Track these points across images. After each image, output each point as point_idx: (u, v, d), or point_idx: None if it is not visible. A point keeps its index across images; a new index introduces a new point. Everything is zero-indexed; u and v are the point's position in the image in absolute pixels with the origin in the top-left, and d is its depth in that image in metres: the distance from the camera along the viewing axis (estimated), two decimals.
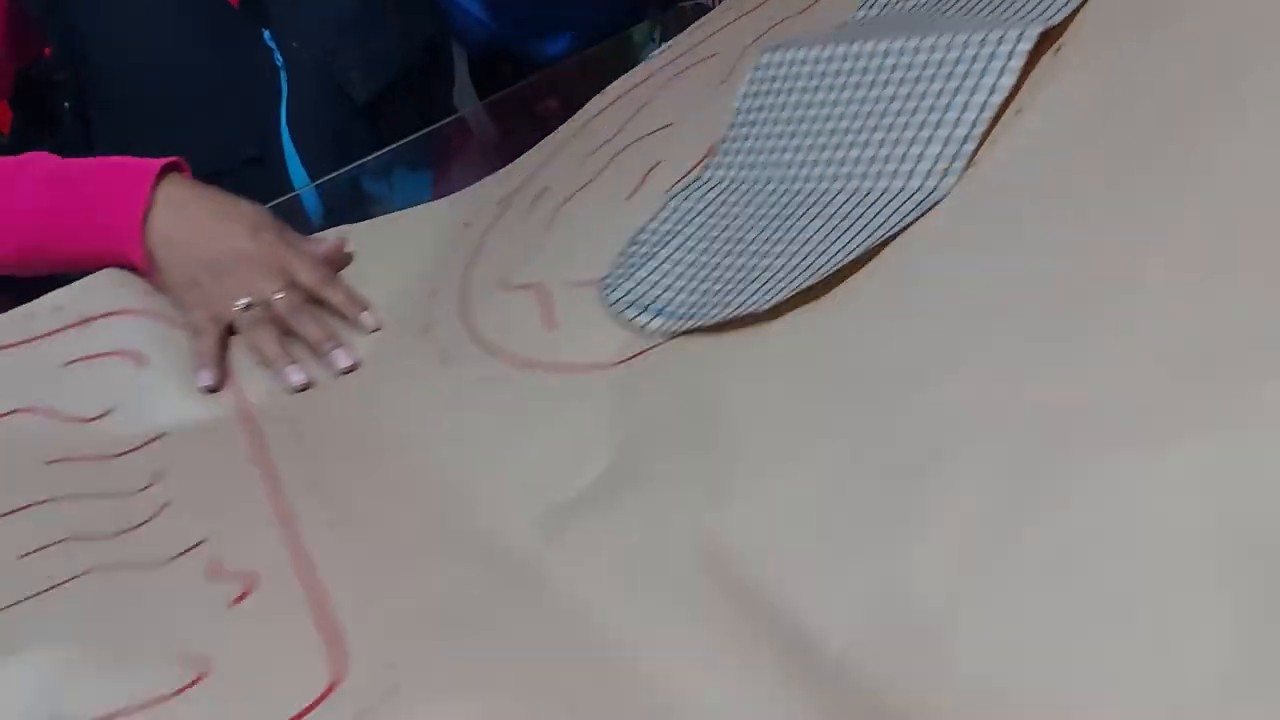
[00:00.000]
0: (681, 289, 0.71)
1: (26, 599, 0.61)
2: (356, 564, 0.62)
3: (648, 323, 0.70)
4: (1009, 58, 0.65)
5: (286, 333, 0.83)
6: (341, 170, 1.04)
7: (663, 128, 0.90)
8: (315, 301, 0.84)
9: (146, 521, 0.68)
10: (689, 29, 1.02)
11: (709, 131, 0.83)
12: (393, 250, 0.92)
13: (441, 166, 1.14)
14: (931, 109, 0.67)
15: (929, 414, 0.50)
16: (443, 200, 0.98)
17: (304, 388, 0.80)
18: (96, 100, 1.03)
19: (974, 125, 0.64)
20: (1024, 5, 0.71)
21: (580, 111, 1.00)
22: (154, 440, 0.78)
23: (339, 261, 0.89)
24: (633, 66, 1.17)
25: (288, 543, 0.65)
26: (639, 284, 0.73)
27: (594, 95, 1.08)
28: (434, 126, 1.11)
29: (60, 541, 0.66)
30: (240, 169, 1.03)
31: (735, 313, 0.64)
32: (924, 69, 0.69)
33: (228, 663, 0.55)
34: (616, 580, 0.57)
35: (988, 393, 0.49)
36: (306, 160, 1.07)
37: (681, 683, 0.50)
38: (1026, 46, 0.64)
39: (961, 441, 0.47)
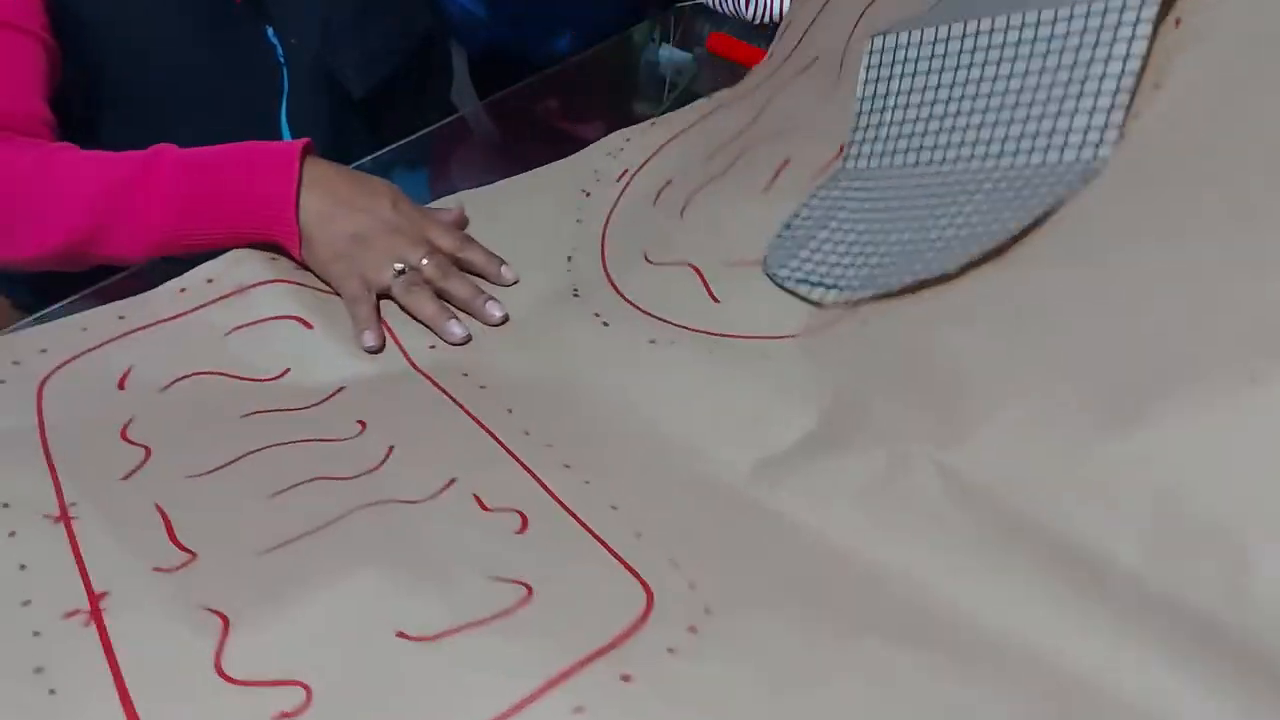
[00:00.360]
0: (850, 265, 0.76)
1: (306, 534, 0.63)
2: (607, 500, 0.66)
3: (822, 296, 0.75)
4: (1135, 25, 0.69)
5: (436, 294, 0.87)
6: None
7: (785, 130, 0.95)
8: (455, 264, 0.89)
9: (383, 462, 0.70)
10: (778, 35, 1.08)
11: (836, 129, 0.88)
12: (513, 214, 0.96)
13: (440, 166, 1.16)
14: (1069, 82, 0.72)
15: (1143, 336, 0.55)
16: (551, 166, 1.02)
17: (465, 340, 0.84)
18: (100, 99, 1.03)
19: (1115, 94, 0.69)
20: None
21: (691, 107, 1.06)
22: (338, 392, 0.80)
23: (463, 228, 0.93)
24: (633, 66, 1.21)
25: (535, 481, 0.68)
26: (804, 261, 0.78)
27: (594, 96, 1.12)
28: (434, 126, 1.13)
29: (310, 480, 0.68)
30: None
31: (916, 278, 0.69)
32: (1049, 43, 0.74)
33: (546, 585, 0.58)
34: (856, 517, 0.61)
35: (1188, 313, 0.54)
36: None
37: (951, 597, 0.55)
38: (1150, 13, 0.69)
39: (1186, 352, 0.53)
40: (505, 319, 0.86)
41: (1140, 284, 0.58)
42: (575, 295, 0.88)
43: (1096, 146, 0.70)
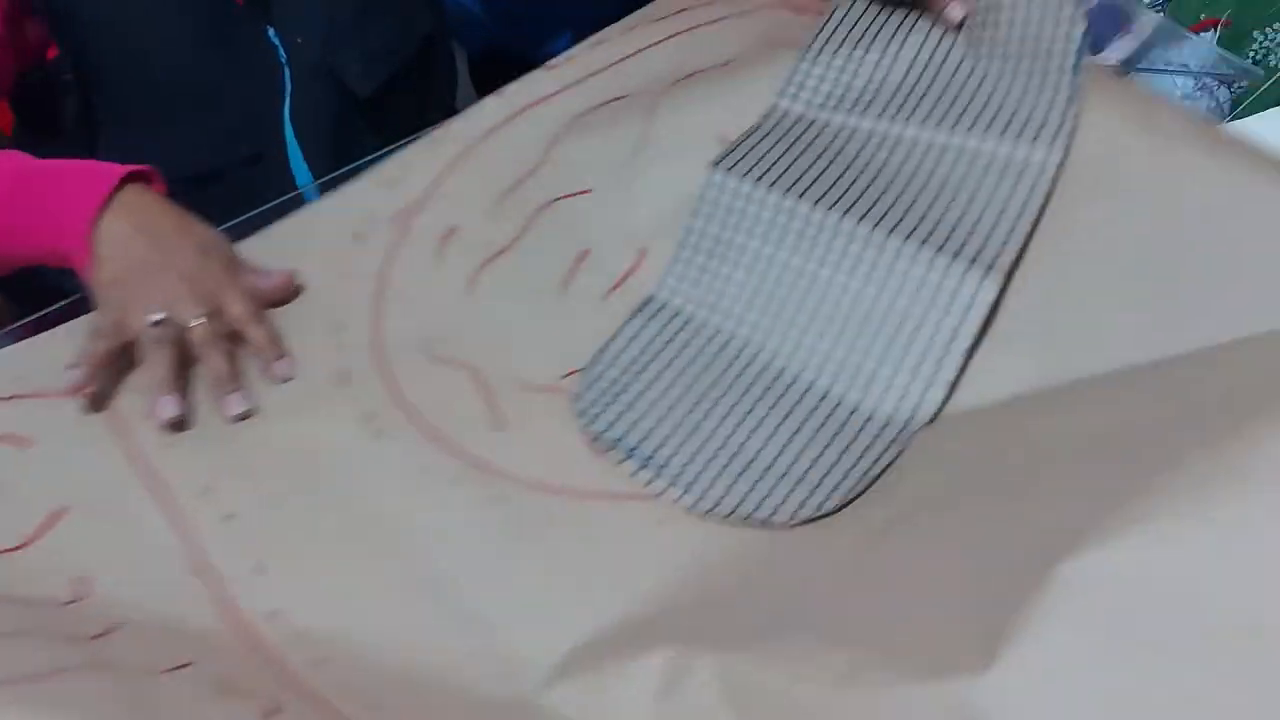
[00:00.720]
0: (666, 440, 0.73)
1: (24, 680, 0.57)
2: (369, 701, 0.61)
3: (635, 471, 0.72)
4: (974, 298, 0.73)
5: (189, 363, 0.79)
6: (344, 169, 0.99)
7: (582, 192, 0.89)
8: (236, 336, 0.80)
9: (103, 635, 0.63)
10: (588, 43, 1.00)
11: (637, 222, 0.85)
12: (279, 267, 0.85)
13: None
14: (898, 329, 0.74)
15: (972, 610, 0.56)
16: (316, 205, 0.91)
17: (175, 424, 0.75)
18: (99, 100, 1.01)
19: (940, 365, 0.73)
20: (969, 162, 0.79)
21: (467, 115, 0.97)
22: (59, 518, 0.70)
23: (285, 296, 0.84)
24: None
25: (287, 682, 0.62)
26: (618, 419, 0.75)
27: None
28: (434, 127, 1.13)
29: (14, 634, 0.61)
30: (242, 167, 1.05)
31: (737, 513, 0.69)
32: (889, 273, 0.75)
33: None
34: None
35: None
36: (310, 158, 1.08)
37: None
38: (989, 295, 0.72)
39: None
40: (244, 417, 0.76)
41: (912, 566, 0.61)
42: (343, 385, 0.78)
43: (913, 411, 0.72)
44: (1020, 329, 0.73)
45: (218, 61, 1.02)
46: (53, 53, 0.99)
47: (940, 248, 0.74)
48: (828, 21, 0.92)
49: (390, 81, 1.11)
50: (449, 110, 1.22)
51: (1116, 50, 1.05)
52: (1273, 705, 0.48)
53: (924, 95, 0.85)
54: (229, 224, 0.92)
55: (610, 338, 0.80)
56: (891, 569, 0.62)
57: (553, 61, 0.98)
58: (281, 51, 1.04)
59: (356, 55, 1.07)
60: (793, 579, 0.65)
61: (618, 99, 0.94)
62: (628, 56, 0.97)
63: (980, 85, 0.84)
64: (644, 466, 0.72)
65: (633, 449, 0.73)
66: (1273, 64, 1.07)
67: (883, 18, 0.91)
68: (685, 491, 0.71)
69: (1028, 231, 0.75)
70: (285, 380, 0.78)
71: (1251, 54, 1.09)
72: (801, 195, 0.79)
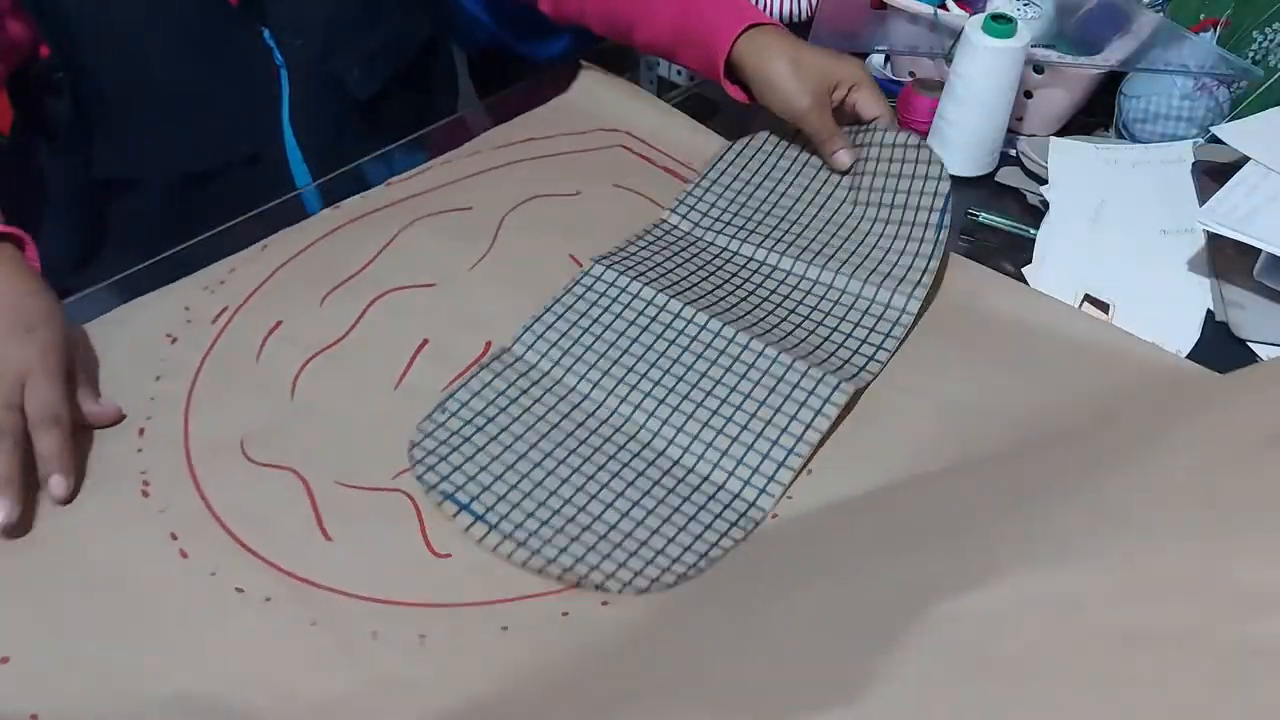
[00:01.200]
0: (504, 495, 0.70)
1: None
2: None
3: (468, 527, 0.68)
4: (826, 399, 0.76)
5: None
6: (342, 169, 1.03)
7: (424, 285, 0.86)
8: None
9: None
10: (434, 162, 1.01)
11: (484, 320, 0.83)
12: (85, 363, 0.80)
13: None
14: (754, 413, 0.76)
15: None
16: (137, 302, 0.86)
17: None
18: (95, 100, 1.00)
19: (791, 451, 0.74)
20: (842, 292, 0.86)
21: (301, 225, 0.93)
22: None
23: (103, 422, 0.77)
24: (630, 66, 1.20)
25: None
26: (454, 472, 0.71)
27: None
28: (434, 126, 1.12)
29: None
30: (241, 167, 1.04)
31: (572, 576, 0.66)
32: (749, 368, 0.78)
33: None
34: None
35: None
36: (309, 159, 1.07)
37: None
38: (841, 399, 0.76)
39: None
40: (8, 528, 0.69)
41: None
42: (145, 493, 0.72)
43: (761, 490, 0.72)
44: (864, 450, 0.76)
45: (212, 62, 1.01)
46: (45, 52, 0.99)
47: (801, 357, 0.79)
48: (727, 151, 0.99)
49: (390, 83, 1.10)
50: (449, 110, 1.22)
51: (1116, 50, 1.02)
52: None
53: (801, 233, 0.92)
54: (228, 224, 0.93)
55: (460, 384, 0.76)
56: (757, 634, 0.58)
57: (394, 178, 0.99)
58: (278, 53, 1.03)
59: (356, 59, 1.06)
60: (648, 656, 0.61)
61: (462, 209, 0.95)
62: (473, 174, 0.99)
63: (854, 231, 0.92)
64: (477, 521, 0.68)
65: (465, 505, 0.69)
66: (1273, 64, 1.02)
67: (777, 154, 1.00)
68: (519, 547, 0.66)
69: (878, 371, 0.80)
70: (58, 501, 0.71)
71: (1251, 54, 1.04)
72: (673, 296, 0.83)
